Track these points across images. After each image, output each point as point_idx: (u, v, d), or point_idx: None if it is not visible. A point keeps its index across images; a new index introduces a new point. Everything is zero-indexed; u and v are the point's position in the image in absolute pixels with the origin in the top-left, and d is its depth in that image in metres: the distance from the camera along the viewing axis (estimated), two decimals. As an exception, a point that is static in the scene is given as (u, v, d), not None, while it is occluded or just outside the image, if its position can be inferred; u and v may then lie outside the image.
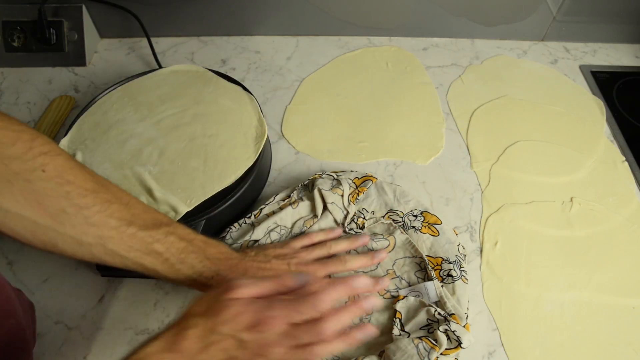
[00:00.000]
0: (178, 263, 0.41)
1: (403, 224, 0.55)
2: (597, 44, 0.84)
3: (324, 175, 0.57)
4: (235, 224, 0.54)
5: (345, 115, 0.71)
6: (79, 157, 0.55)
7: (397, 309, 0.47)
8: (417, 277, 0.50)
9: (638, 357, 0.49)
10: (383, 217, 0.56)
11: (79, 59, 0.79)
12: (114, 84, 0.64)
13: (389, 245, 0.52)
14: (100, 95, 0.62)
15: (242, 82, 0.64)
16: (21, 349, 0.43)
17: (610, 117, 0.72)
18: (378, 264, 0.52)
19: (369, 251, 0.51)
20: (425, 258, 0.51)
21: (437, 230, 0.53)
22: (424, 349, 0.42)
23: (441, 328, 0.44)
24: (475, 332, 0.49)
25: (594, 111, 0.73)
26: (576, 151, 0.67)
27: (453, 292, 0.49)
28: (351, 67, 0.79)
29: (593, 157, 0.66)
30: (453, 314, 0.46)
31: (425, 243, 0.53)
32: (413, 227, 0.54)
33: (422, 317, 0.46)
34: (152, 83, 0.64)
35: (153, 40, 0.78)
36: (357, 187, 0.56)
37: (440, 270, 0.51)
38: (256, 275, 0.44)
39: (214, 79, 0.65)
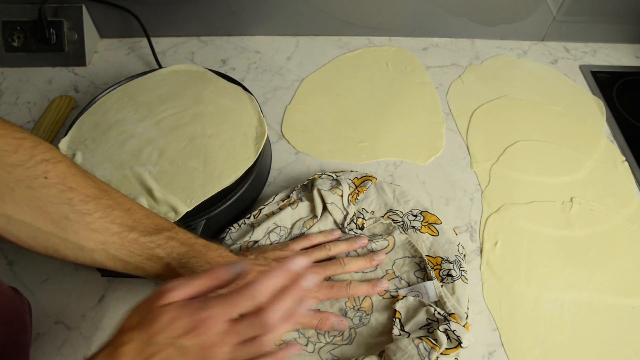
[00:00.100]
0: (179, 268, 0.41)
1: (402, 224, 0.55)
2: (597, 44, 0.84)
3: (323, 176, 0.57)
4: (235, 225, 0.54)
5: (345, 115, 0.71)
6: (79, 157, 0.55)
7: (397, 309, 0.47)
8: (417, 277, 0.50)
9: (638, 357, 0.49)
10: (382, 217, 0.56)
11: (79, 59, 0.79)
12: (114, 84, 0.64)
13: (388, 245, 0.52)
14: (100, 95, 0.62)
15: (242, 82, 0.64)
16: (20, 349, 0.43)
17: (610, 117, 0.72)
18: (377, 265, 0.52)
19: (369, 252, 0.52)
20: (425, 258, 0.51)
21: (437, 230, 0.53)
22: (425, 348, 0.42)
23: (441, 328, 0.44)
24: (475, 332, 0.49)
25: (594, 111, 0.73)
26: (576, 151, 0.67)
27: (453, 292, 0.49)
28: (351, 67, 0.79)
29: (593, 157, 0.66)
30: (453, 313, 0.46)
31: (424, 243, 0.53)
32: (412, 227, 0.54)
33: (421, 316, 0.46)
34: (152, 83, 0.64)
35: (153, 40, 0.78)
36: (356, 187, 0.56)
37: (440, 270, 0.51)
38: None
39: (214, 79, 0.65)
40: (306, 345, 0.46)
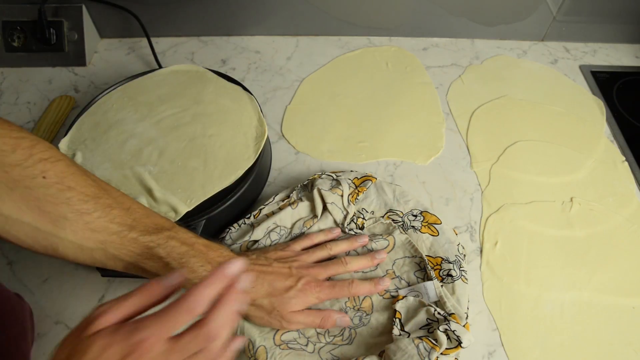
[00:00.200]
0: (179, 268, 0.40)
1: (402, 224, 0.55)
2: (597, 44, 0.84)
3: (323, 176, 0.57)
4: (235, 225, 0.54)
5: (345, 115, 0.71)
6: (79, 157, 0.55)
7: (397, 309, 0.47)
8: (417, 277, 0.50)
9: (638, 357, 0.49)
10: (382, 217, 0.56)
11: (79, 59, 0.79)
12: (114, 84, 0.64)
13: (388, 245, 0.52)
14: (100, 95, 0.62)
15: (242, 82, 0.64)
16: (20, 355, 0.43)
17: (610, 117, 0.72)
18: (377, 264, 0.52)
19: (369, 251, 0.52)
20: (425, 258, 0.51)
21: (437, 230, 0.53)
22: (425, 349, 0.42)
23: (441, 328, 0.44)
24: (475, 332, 0.49)
25: (594, 111, 0.73)
26: (576, 151, 0.67)
27: (453, 292, 0.49)
28: (351, 67, 0.79)
29: (593, 157, 0.66)
30: (453, 313, 0.46)
31: (424, 243, 0.53)
32: (413, 226, 0.54)
33: (421, 316, 0.46)
34: (152, 83, 0.64)
35: (153, 40, 0.78)
36: (356, 187, 0.56)
37: (440, 270, 0.51)
38: (257, 279, 0.44)
39: (214, 79, 0.65)
40: (306, 345, 0.46)
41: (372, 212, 0.56)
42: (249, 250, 0.51)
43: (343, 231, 0.54)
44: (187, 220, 0.51)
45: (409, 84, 0.76)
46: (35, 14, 0.73)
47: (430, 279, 0.49)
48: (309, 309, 0.47)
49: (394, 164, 0.65)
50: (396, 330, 0.46)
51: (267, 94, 0.75)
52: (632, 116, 0.73)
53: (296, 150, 0.67)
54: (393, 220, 0.55)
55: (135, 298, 0.32)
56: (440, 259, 0.51)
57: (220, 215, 0.54)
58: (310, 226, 0.53)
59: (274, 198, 0.56)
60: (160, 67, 0.74)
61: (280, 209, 0.55)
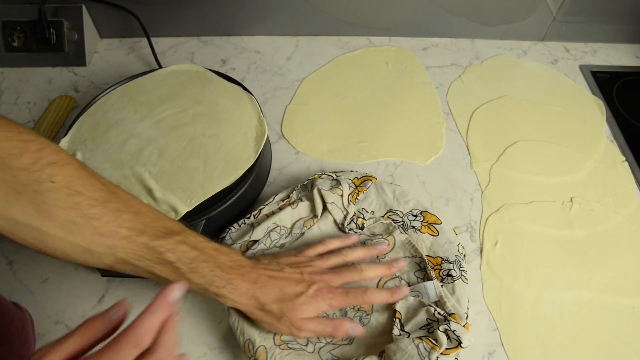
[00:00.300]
0: (189, 272, 0.40)
1: (403, 224, 0.55)
2: (597, 44, 0.84)
3: (323, 176, 0.57)
4: (235, 225, 0.54)
5: (345, 115, 0.71)
6: (79, 157, 0.55)
7: (397, 309, 0.47)
8: (417, 277, 0.50)
9: (638, 357, 0.49)
10: (382, 217, 0.56)
11: (79, 59, 0.79)
12: (114, 84, 0.64)
13: (388, 245, 0.52)
14: (100, 95, 0.62)
15: (242, 82, 0.64)
16: None
17: (610, 117, 0.72)
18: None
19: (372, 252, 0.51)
20: (425, 258, 0.51)
21: (437, 230, 0.53)
22: (425, 349, 0.42)
23: (441, 328, 0.44)
24: (475, 332, 0.49)
25: (594, 111, 0.73)
26: (576, 151, 0.67)
27: (453, 292, 0.49)
28: (351, 67, 0.79)
29: (593, 157, 0.66)
30: (453, 313, 0.46)
31: (424, 243, 0.53)
32: (413, 226, 0.54)
33: (421, 316, 0.46)
34: (152, 83, 0.64)
35: (153, 40, 0.78)
36: (356, 187, 0.56)
37: (440, 270, 0.51)
38: (267, 284, 0.43)
39: (214, 79, 0.65)
40: (306, 345, 0.46)
41: (372, 212, 0.56)
42: (262, 255, 0.50)
43: (343, 231, 0.54)
44: (187, 220, 0.51)
45: (409, 84, 0.76)
46: (35, 14, 0.73)
47: (430, 279, 0.49)
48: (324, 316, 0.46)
49: (394, 164, 0.65)
50: (396, 331, 0.46)
51: (267, 94, 0.75)
52: (632, 116, 0.73)
53: (296, 150, 0.67)
54: (393, 220, 0.55)
55: (76, 337, 0.30)
56: (440, 259, 0.51)
57: (220, 215, 0.54)
58: (311, 226, 0.53)
59: (274, 198, 0.56)
60: (160, 67, 0.74)
61: (280, 209, 0.55)
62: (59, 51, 0.77)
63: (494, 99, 0.74)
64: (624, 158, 0.67)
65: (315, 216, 0.54)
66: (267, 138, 0.62)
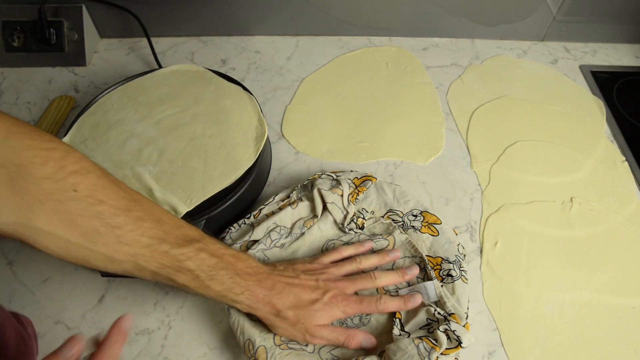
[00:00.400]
0: (208, 280, 0.40)
1: (403, 224, 0.55)
2: (597, 44, 0.84)
3: (323, 176, 0.57)
4: (235, 225, 0.54)
5: (345, 115, 0.71)
6: (79, 157, 0.55)
7: (397, 309, 0.47)
8: (417, 277, 0.50)
9: (638, 357, 0.49)
10: (383, 217, 0.56)
11: (79, 59, 0.79)
12: (114, 84, 0.64)
13: (388, 245, 0.52)
14: (100, 95, 0.62)
15: (242, 82, 0.64)
16: None
17: (610, 117, 0.72)
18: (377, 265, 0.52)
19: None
20: (425, 258, 0.51)
21: (437, 230, 0.53)
22: (425, 349, 0.42)
23: (441, 328, 0.44)
24: (475, 332, 0.49)
25: (594, 111, 0.73)
26: (576, 151, 0.67)
27: (453, 292, 0.49)
28: (351, 67, 0.79)
29: (593, 157, 0.66)
30: (453, 313, 0.46)
31: (424, 243, 0.53)
32: (413, 226, 0.54)
33: (421, 316, 0.46)
34: (152, 83, 0.64)
35: (153, 40, 0.78)
36: (356, 187, 0.56)
37: (440, 270, 0.51)
38: (283, 290, 0.44)
39: (214, 79, 0.65)
40: (306, 345, 0.46)
41: (372, 212, 0.56)
42: (278, 261, 0.50)
43: (343, 231, 0.54)
44: (187, 221, 0.51)
45: (409, 84, 0.76)
46: (35, 14, 0.73)
47: (430, 279, 0.49)
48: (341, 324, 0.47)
49: (394, 164, 0.65)
50: (396, 331, 0.46)
51: (267, 94, 0.75)
52: (632, 116, 0.73)
53: (296, 150, 0.67)
54: (393, 220, 0.55)
55: None
56: (440, 259, 0.51)
57: (220, 215, 0.54)
58: (311, 226, 0.53)
59: (274, 198, 0.56)
60: (160, 67, 0.74)
61: (280, 209, 0.55)
62: (59, 51, 0.77)
63: (494, 99, 0.74)
64: (624, 158, 0.67)
65: (315, 216, 0.54)
66: (267, 138, 0.62)
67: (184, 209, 0.50)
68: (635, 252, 0.56)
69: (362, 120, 0.71)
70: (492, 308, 0.52)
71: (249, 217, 0.54)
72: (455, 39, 0.84)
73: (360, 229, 0.54)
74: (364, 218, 0.54)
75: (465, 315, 0.47)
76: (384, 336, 0.47)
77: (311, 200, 0.54)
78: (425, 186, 0.63)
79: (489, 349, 0.49)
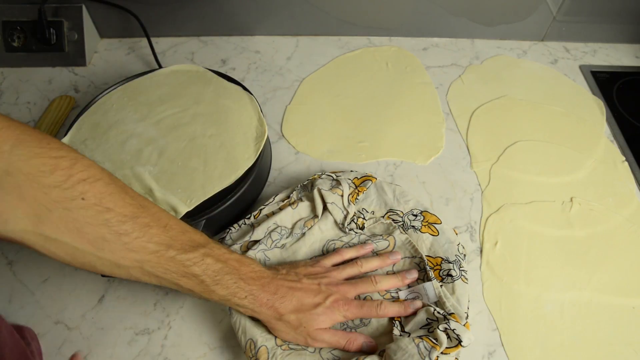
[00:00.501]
0: (213, 284, 0.41)
1: (403, 224, 0.55)
2: (597, 44, 0.84)
3: (323, 176, 0.57)
4: (235, 225, 0.54)
5: (345, 115, 0.71)
6: (79, 157, 0.55)
7: (397, 309, 0.47)
8: (417, 278, 0.50)
9: (638, 357, 0.49)
10: (383, 217, 0.56)
11: (79, 59, 0.79)
12: (114, 84, 0.64)
13: (388, 245, 0.52)
14: (100, 95, 0.62)
15: (242, 82, 0.64)
16: None
17: (610, 117, 0.72)
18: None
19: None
20: (425, 258, 0.51)
21: (437, 230, 0.53)
22: (425, 348, 0.42)
23: (441, 327, 0.44)
24: (475, 332, 0.49)
25: (594, 111, 0.73)
26: (576, 151, 0.67)
27: (453, 292, 0.49)
28: (351, 67, 0.79)
29: (593, 157, 0.66)
30: (453, 313, 0.46)
31: (424, 243, 0.53)
32: (413, 226, 0.54)
33: (421, 316, 0.46)
34: (152, 83, 0.64)
35: (153, 40, 0.78)
36: (356, 187, 0.56)
37: (440, 270, 0.51)
38: (286, 295, 0.44)
39: (214, 79, 0.65)
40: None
41: (373, 212, 0.56)
42: (280, 265, 0.50)
43: (343, 231, 0.54)
44: (187, 221, 0.51)
45: (409, 84, 0.76)
46: (35, 14, 0.73)
47: (429, 279, 0.49)
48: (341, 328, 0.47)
49: (394, 164, 0.65)
50: (396, 331, 0.46)
51: (267, 94, 0.75)
52: (632, 116, 0.73)
53: (296, 150, 0.67)
54: (393, 220, 0.55)
55: None
56: (440, 259, 0.51)
57: (220, 215, 0.54)
58: (311, 226, 0.53)
59: (274, 198, 0.56)
60: (160, 67, 0.74)
61: (281, 209, 0.55)
62: (59, 51, 0.77)
63: (494, 99, 0.74)
64: (624, 158, 0.67)
65: (315, 216, 0.54)
66: (267, 138, 0.62)
67: (184, 209, 0.50)
68: (635, 252, 0.57)
69: (362, 120, 0.71)
70: (492, 308, 0.52)
71: (249, 218, 0.54)
72: (455, 39, 0.84)
73: (360, 229, 0.54)
74: (364, 218, 0.54)
75: (466, 315, 0.47)
76: (385, 336, 0.47)
77: (311, 200, 0.54)
78: (425, 186, 0.63)
79: (489, 349, 0.49)
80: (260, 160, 0.57)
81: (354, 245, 0.53)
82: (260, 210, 0.55)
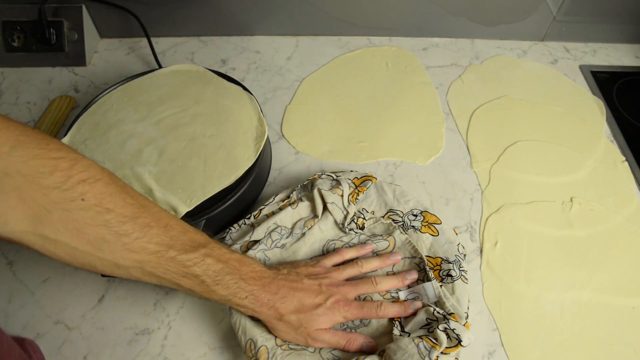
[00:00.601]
0: (214, 284, 0.41)
1: (403, 224, 0.55)
2: (597, 44, 0.84)
3: (323, 176, 0.57)
4: (235, 225, 0.54)
5: (345, 115, 0.71)
6: (79, 157, 0.55)
7: (397, 309, 0.47)
8: (417, 279, 0.50)
9: (638, 357, 0.49)
10: (383, 217, 0.56)
11: (79, 59, 0.79)
12: (114, 84, 0.64)
13: (389, 246, 0.52)
14: (100, 95, 0.62)
15: (242, 82, 0.64)
16: None
17: (610, 117, 0.72)
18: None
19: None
20: (425, 259, 0.51)
21: (437, 230, 0.53)
22: (425, 347, 0.42)
23: (441, 327, 0.44)
24: (475, 332, 0.49)
25: (594, 111, 0.73)
26: (576, 151, 0.67)
27: (452, 292, 0.49)
28: (351, 67, 0.79)
29: (593, 157, 0.66)
30: (452, 313, 0.46)
31: (424, 243, 0.53)
32: (413, 226, 0.54)
33: (421, 316, 0.46)
34: (152, 83, 0.64)
35: (153, 40, 0.78)
36: (356, 187, 0.56)
37: (440, 270, 0.51)
38: (287, 295, 0.44)
39: (214, 79, 0.65)
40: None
41: (373, 212, 0.56)
42: (281, 264, 0.50)
43: (343, 231, 0.54)
44: (187, 221, 0.50)
45: (409, 84, 0.76)
46: (35, 14, 0.73)
47: (429, 279, 0.49)
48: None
49: (394, 164, 0.65)
50: (396, 331, 0.46)
51: (267, 94, 0.75)
52: (632, 116, 0.73)
53: (296, 150, 0.67)
54: (393, 220, 0.55)
55: None
56: (440, 259, 0.51)
57: (220, 215, 0.54)
58: (311, 226, 0.53)
59: (274, 198, 0.56)
60: (160, 67, 0.74)
61: (281, 209, 0.55)
62: (59, 51, 0.77)
63: (493, 99, 0.74)
64: (624, 158, 0.67)
65: (315, 216, 0.54)
66: (267, 138, 0.62)
67: (184, 209, 0.50)
68: (635, 252, 0.57)
69: (362, 120, 0.71)
70: (492, 308, 0.52)
71: (249, 218, 0.54)
72: (455, 39, 0.84)
73: (360, 229, 0.54)
74: (364, 218, 0.54)
75: (465, 315, 0.47)
76: (385, 337, 0.47)
77: (311, 200, 0.54)
78: (425, 186, 0.63)
79: (489, 349, 0.49)
80: (260, 160, 0.57)
81: (354, 245, 0.53)
82: (260, 210, 0.55)
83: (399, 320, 0.47)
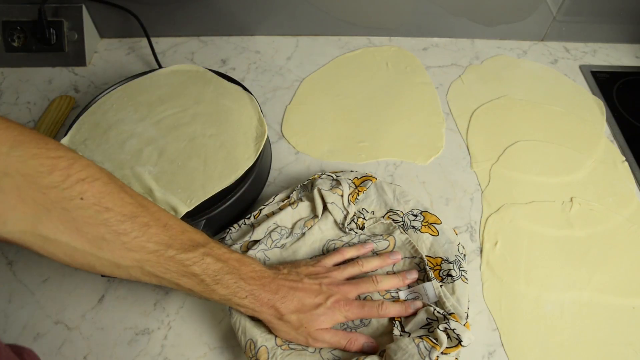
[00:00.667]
0: (213, 284, 0.41)
1: (403, 224, 0.55)
2: (597, 44, 0.84)
3: (323, 176, 0.57)
4: (235, 225, 0.54)
5: (345, 115, 0.71)
6: (79, 157, 0.55)
7: (397, 309, 0.47)
8: (417, 278, 0.50)
9: (638, 357, 0.49)
10: (383, 217, 0.56)
11: (79, 59, 0.79)
12: (114, 84, 0.64)
13: (389, 246, 0.52)
14: (100, 95, 0.62)
15: (242, 82, 0.64)
16: None
17: (610, 117, 0.72)
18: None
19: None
20: (425, 259, 0.51)
21: (437, 230, 0.53)
22: (425, 348, 0.42)
23: (441, 327, 0.44)
24: (475, 332, 0.49)
25: (594, 111, 0.73)
26: (576, 151, 0.67)
27: (452, 292, 0.49)
28: (351, 67, 0.79)
29: (593, 157, 0.66)
30: (453, 313, 0.46)
31: (424, 243, 0.53)
32: (413, 226, 0.54)
33: (421, 316, 0.46)
34: (152, 83, 0.64)
35: (153, 40, 0.78)
36: (356, 187, 0.56)
37: (440, 270, 0.51)
38: (288, 295, 0.44)
39: (214, 79, 0.65)
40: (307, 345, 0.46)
41: (373, 212, 0.56)
42: (281, 264, 0.50)
43: (343, 231, 0.54)
44: (187, 221, 0.50)
45: (409, 84, 0.76)
46: (35, 14, 0.73)
47: (429, 279, 0.49)
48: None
49: (394, 164, 0.65)
50: (396, 331, 0.46)
51: (267, 94, 0.75)
52: (632, 116, 0.73)
53: (296, 150, 0.67)
54: (393, 220, 0.55)
55: None
56: (440, 259, 0.51)
57: (220, 215, 0.54)
58: (311, 226, 0.53)
59: (274, 198, 0.56)
60: (160, 67, 0.74)
61: (281, 209, 0.55)
62: (59, 51, 0.77)
63: (493, 99, 0.74)
64: (624, 158, 0.67)
65: (315, 216, 0.54)
66: (267, 138, 0.62)
67: (184, 209, 0.50)
68: (635, 252, 0.57)
69: (362, 120, 0.71)
70: (492, 308, 0.52)
71: (249, 218, 0.54)
72: (455, 39, 0.84)
73: (360, 229, 0.54)
74: (364, 218, 0.54)
75: (466, 315, 0.47)
76: (385, 337, 0.47)
77: (311, 200, 0.54)
78: (425, 186, 0.63)
79: (489, 349, 0.49)
80: (260, 160, 0.57)
81: (354, 245, 0.53)
82: (260, 210, 0.55)
83: (399, 320, 0.47)
